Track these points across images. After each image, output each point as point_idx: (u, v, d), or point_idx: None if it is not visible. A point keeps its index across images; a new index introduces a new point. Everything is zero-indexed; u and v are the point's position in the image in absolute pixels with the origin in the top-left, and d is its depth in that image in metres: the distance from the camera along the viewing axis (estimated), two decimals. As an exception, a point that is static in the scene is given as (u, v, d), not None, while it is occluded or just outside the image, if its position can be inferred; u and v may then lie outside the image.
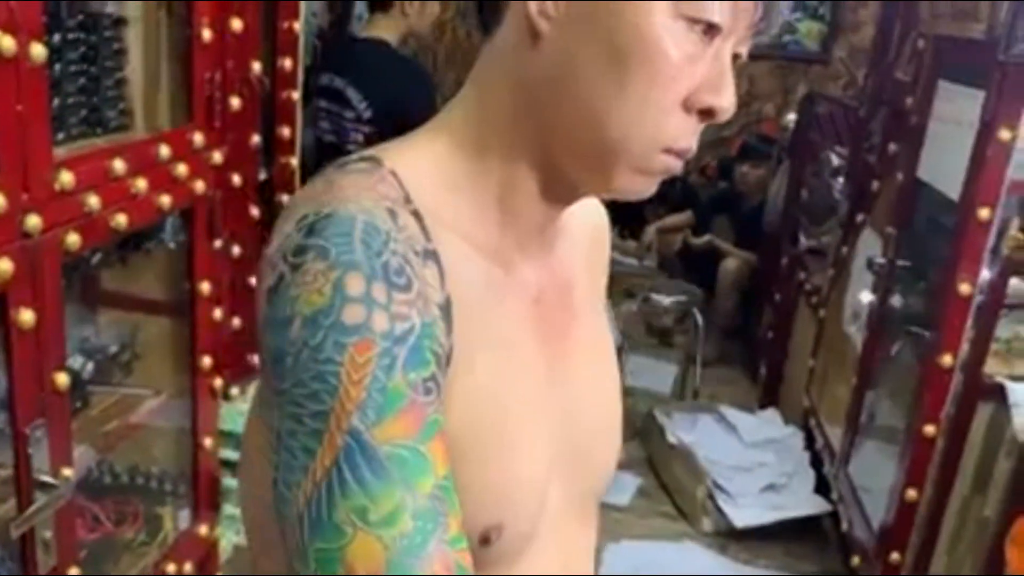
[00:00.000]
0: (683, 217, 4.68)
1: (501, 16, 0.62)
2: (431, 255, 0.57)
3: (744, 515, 2.79)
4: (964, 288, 1.81)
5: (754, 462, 3.00)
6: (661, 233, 4.70)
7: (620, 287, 4.16)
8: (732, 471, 2.95)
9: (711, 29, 0.58)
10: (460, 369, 0.59)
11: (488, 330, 0.62)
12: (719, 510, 2.84)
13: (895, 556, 1.99)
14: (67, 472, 1.28)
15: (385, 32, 2.46)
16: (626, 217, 5.18)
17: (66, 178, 1.22)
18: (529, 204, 0.66)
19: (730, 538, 2.84)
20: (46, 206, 1.19)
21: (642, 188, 0.64)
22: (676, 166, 0.63)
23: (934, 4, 2.17)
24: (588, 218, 0.80)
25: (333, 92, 2.40)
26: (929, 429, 1.91)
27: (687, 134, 0.61)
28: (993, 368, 2.08)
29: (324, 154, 2.42)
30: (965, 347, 2.00)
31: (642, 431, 3.32)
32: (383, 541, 0.48)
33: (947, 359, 1.86)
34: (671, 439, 3.07)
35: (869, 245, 2.57)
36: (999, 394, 2.00)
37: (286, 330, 0.52)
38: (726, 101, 0.60)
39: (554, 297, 0.70)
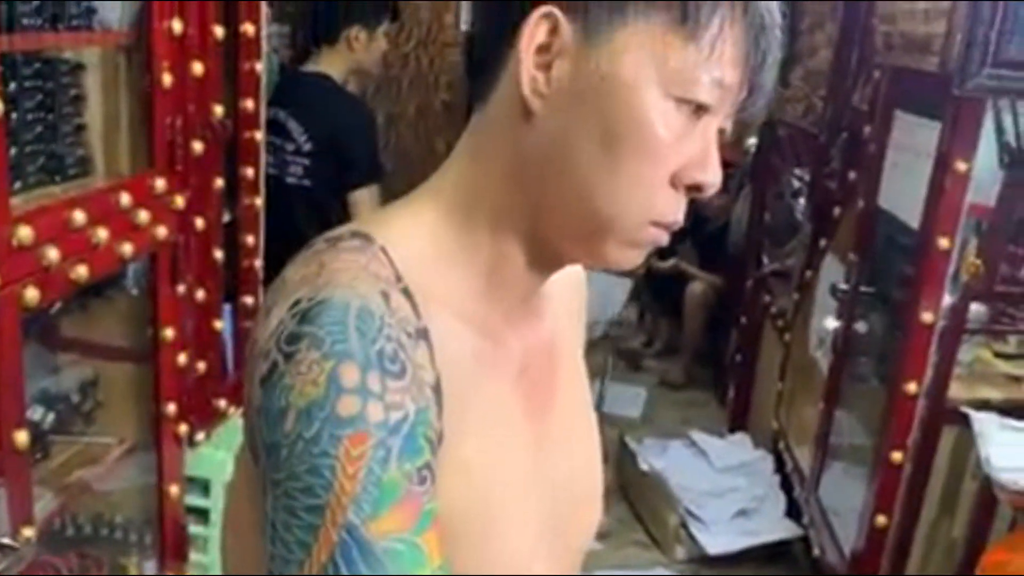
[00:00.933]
0: None
1: (493, 87, 0.62)
2: (422, 334, 0.57)
3: (717, 542, 2.79)
4: (926, 316, 1.83)
5: (725, 487, 3.01)
6: None
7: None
8: (704, 497, 2.96)
9: (700, 109, 0.59)
10: (449, 445, 0.58)
11: (476, 407, 0.62)
12: (692, 538, 2.84)
13: (867, 582, 2.00)
14: (28, 532, 1.25)
15: (329, 66, 2.45)
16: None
17: (24, 233, 1.20)
18: (517, 275, 0.66)
19: (703, 564, 2.84)
20: (3, 262, 1.17)
21: (631, 260, 0.65)
22: (663, 238, 0.64)
23: (889, 35, 2.21)
24: (566, 275, 0.80)
25: (277, 125, 2.39)
26: (896, 456, 1.93)
27: (675, 209, 0.62)
28: (956, 392, 2.11)
29: (267, 188, 2.39)
30: (929, 372, 2.03)
31: (614, 458, 3.32)
32: None
33: (912, 386, 1.89)
34: (643, 466, 3.07)
35: (832, 271, 2.61)
36: (963, 418, 2.03)
37: (281, 422, 0.51)
38: (712, 177, 0.61)
39: (539, 366, 0.70)
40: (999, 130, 2.04)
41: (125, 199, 1.44)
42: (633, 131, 0.58)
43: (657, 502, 2.97)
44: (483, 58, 0.63)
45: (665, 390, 4.19)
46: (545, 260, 0.66)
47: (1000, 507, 1.79)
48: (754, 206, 3.82)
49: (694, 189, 0.62)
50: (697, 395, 4.14)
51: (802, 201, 3.53)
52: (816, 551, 2.44)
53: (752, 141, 4.09)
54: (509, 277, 0.65)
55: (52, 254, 1.26)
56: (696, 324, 4.29)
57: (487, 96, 0.63)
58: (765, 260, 3.65)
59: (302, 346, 0.52)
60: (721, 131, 0.62)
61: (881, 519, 1.97)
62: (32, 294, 1.22)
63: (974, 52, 1.66)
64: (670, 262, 4.47)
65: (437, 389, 0.57)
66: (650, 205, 0.61)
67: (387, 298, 0.55)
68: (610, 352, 3.91)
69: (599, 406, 3.39)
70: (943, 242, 1.78)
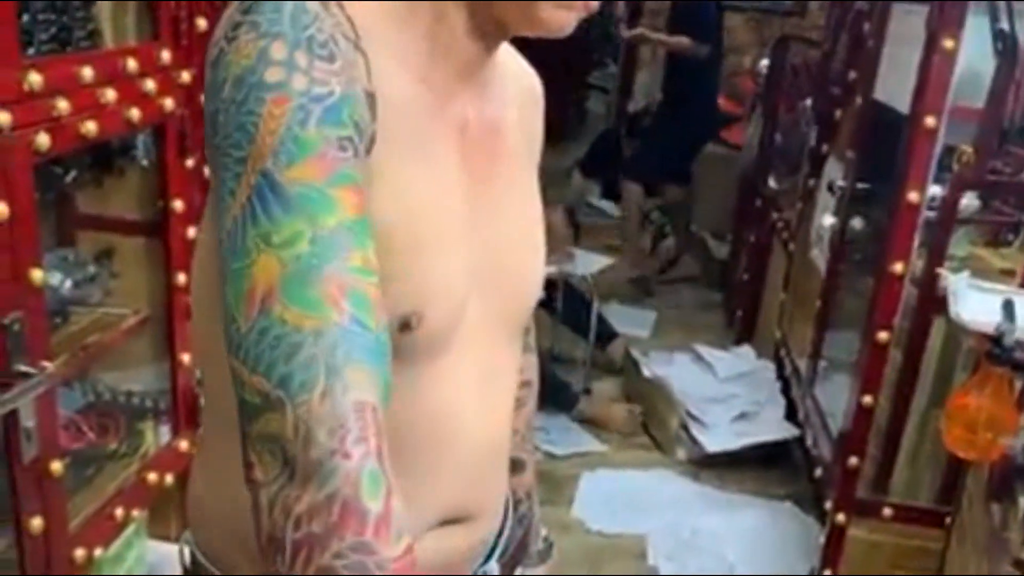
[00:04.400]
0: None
1: None
2: (360, 49, 0.63)
3: (716, 441, 2.87)
4: (912, 196, 1.87)
5: (727, 394, 3.08)
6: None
7: (600, 242, 4.24)
8: (706, 402, 3.03)
9: None
10: (389, 170, 0.65)
11: (416, 140, 0.69)
12: (692, 439, 2.92)
13: (853, 461, 2.06)
14: (46, 364, 1.34)
15: None
16: (606, 181, 5.26)
17: (35, 79, 1.27)
18: (457, 40, 0.71)
19: (702, 466, 2.93)
20: (16, 105, 1.25)
21: (564, 22, 0.70)
22: (593, 4, 0.69)
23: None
24: (523, 78, 0.86)
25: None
26: (883, 335, 1.98)
27: None
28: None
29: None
30: (919, 262, 2.07)
31: (621, 369, 3.40)
32: (281, 259, 0.55)
33: (898, 267, 1.93)
34: (646, 373, 3.15)
35: (833, 173, 2.64)
36: (953, 307, 2.07)
37: (220, 91, 0.59)
38: None
39: (481, 134, 0.76)
40: (993, 18, 2.05)
41: (132, 64, 1.51)
42: None
43: (660, 406, 3.04)
44: None
45: (674, 314, 4.22)
46: (485, 26, 0.71)
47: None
48: (766, 128, 3.83)
49: None
50: (707, 317, 4.18)
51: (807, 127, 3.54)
52: (809, 442, 2.51)
53: (764, 63, 4.09)
54: (450, 40, 0.71)
55: (62, 105, 1.33)
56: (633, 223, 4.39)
57: None
58: (771, 181, 3.67)
59: (241, 31, 0.59)
60: None
61: (867, 399, 2.03)
62: (43, 140, 1.30)
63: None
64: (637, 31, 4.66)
65: (371, 99, 0.63)
66: None
67: (327, 7, 0.62)
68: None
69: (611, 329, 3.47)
70: (930, 120, 1.81)
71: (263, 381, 0.54)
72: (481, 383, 0.78)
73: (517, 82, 0.84)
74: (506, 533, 0.88)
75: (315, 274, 0.55)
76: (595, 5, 0.71)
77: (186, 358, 1.84)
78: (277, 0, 0.60)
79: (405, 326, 0.67)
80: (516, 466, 0.90)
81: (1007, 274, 2.21)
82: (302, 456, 0.52)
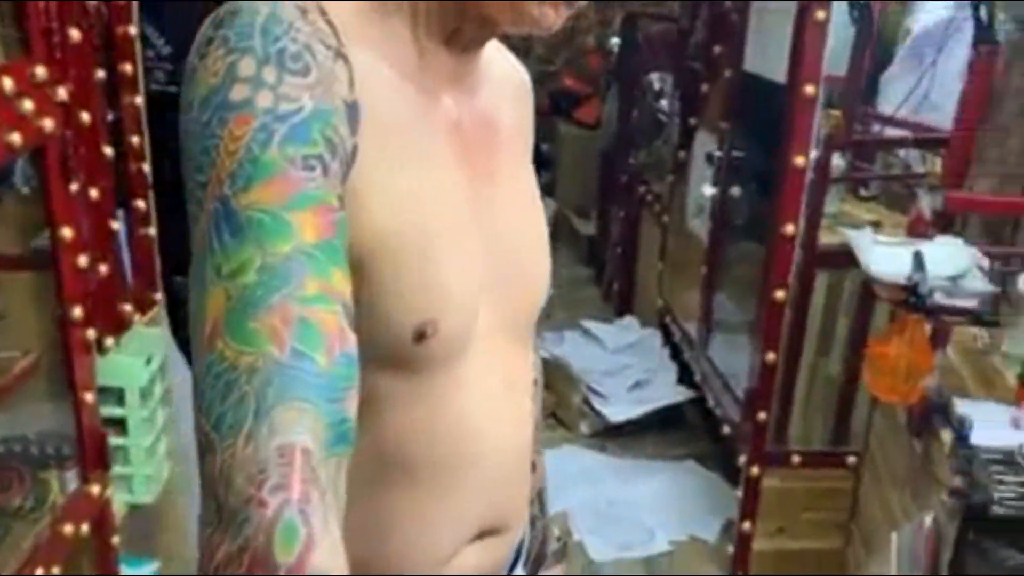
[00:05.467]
0: None
1: None
2: (342, 57, 0.60)
3: (618, 412, 2.96)
4: (799, 160, 1.98)
5: (620, 365, 3.18)
6: None
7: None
8: (602, 376, 3.12)
9: None
10: (384, 179, 0.63)
11: (409, 143, 0.66)
12: (596, 412, 3.00)
13: (762, 416, 2.18)
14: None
15: None
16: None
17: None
18: (445, 37, 0.69)
19: (607, 438, 3.01)
20: None
21: (552, 19, 0.68)
22: (580, 2, 0.69)
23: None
24: (513, 75, 0.84)
25: (134, 32, 2.29)
26: (779, 294, 2.09)
27: None
28: (826, 240, 2.30)
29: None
30: (802, 222, 2.20)
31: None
32: (227, 291, 0.52)
33: (789, 228, 2.04)
34: (544, 355, 3.19)
35: (706, 144, 2.75)
36: (832, 261, 2.22)
37: (189, 111, 0.56)
38: None
39: (475, 129, 0.74)
40: (849, -11, 2.21)
41: (7, 84, 1.38)
42: None
43: (560, 385, 3.10)
44: None
45: (553, 293, 4.28)
46: (473, 22, 0.69)
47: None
48: (622, 105, 3.94)
49: None
50: (584, 293, 4.28)
51: (664, 101, 3.67)
52: (711, 402, 2.63)
53: (615, 40, 4.20)
54: (438, 38, 0.69)
55: (-57, 135, 1.20)
56: None
57: None
58: (632, 156, 3.79)
59: (212, 47, 0.56)
60: None
61: (770, 355, 2.15)
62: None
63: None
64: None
65: (353, 109, 0.60)
66: None
67: (304, 13, 0.59)
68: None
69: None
70: (809, 89, 1.92)
71: (204, 421, 0.51)
72: (502, 389, 0.76)
73: (508, 78, 0.82)
74: (527, 537, 0.88)
75: (259, 306, 0.51)
76: (583, 4, 0.70)
77: (89, 396, 1.71)
78: (247, 9, 0.57)
79: (420, 336, 0.65)
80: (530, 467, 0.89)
81: (875, 225, 2.40)
82: (225, 502, 0.49)
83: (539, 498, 0.98)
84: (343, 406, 0.52)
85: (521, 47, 4.57)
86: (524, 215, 0.80)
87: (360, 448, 0.68)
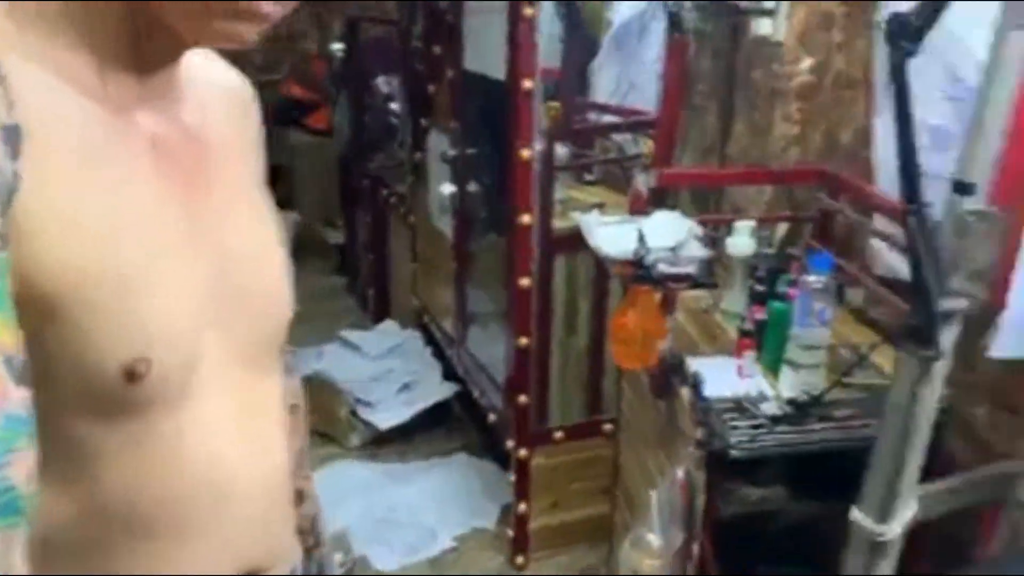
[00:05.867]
0: None
1: None
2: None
3: (387, 418, 2.95)
4: (525, 153, 2.07)
5: (384, 370, 3.16)
6: None
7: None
8: (368, 383, 3.08)
9: None
10: (65, 206, 0.57)
11: (98, 167, 0.61)
12: (364, 423, 2.96)
13: (523, 399, 2.26)
14: None
15: None
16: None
17: None
18: (121, 57, 0.64)
19: (377, 446, 2.99)
20: None
21: (244, 36, 0.65)
22: (276, 12, 0.66)
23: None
24: (228, 85, 0.80)
25: None
26: (524, 281, 2.18)
27: None
28: (558, 225, 2.42)
29: None
30: (536, 210, 2.30)
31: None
32: None
33: (526, 218, 2.13)
34: (306, 372, 3.10)
35: (439, 144, 2.80)
36: (568, 245, 2.34)
37: None
38: None
39: (180, 146, 0.69)
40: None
41: None
42: None
43: (327, 401, 3.03)
44: None
45: (305, 309, 4.15)
46: (160, 37, 0.65)
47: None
48: (353, 109, 3.91)
49: None
50: (340, 303, 4.21)
51: (393, 105, 3.69)
52: (476, 394, 2.69)
53: (338, 46, 4.15)
54: (120, 52, 0.64)
55: None
56: None
57: None
58: (369, 160, 3.78)
59: None
60: None
61: (523, 340, 2.23)
62: None
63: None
64: None
65: (14, 135, 0.55)
66: None
67: None
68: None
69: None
70: (527, 83, 2.00)
71: None
72: (240, 421, 0.71)
73: (221, 89, 0.77)
74: (301, 571, 0.85)
75: None
76: (277, 16, 0.67)
77: None
78: None
79: (132, 376, 0.60)
80: (296, 497, 0.86)
81: (600, 207, 2.56)
82: None
83: (313, 526, 0.95)
84: (6, 473, 0.47)
85: (238, 56, 4.40)
86: (252, 232, 0.76)
87: (73, 511, 0.61)
